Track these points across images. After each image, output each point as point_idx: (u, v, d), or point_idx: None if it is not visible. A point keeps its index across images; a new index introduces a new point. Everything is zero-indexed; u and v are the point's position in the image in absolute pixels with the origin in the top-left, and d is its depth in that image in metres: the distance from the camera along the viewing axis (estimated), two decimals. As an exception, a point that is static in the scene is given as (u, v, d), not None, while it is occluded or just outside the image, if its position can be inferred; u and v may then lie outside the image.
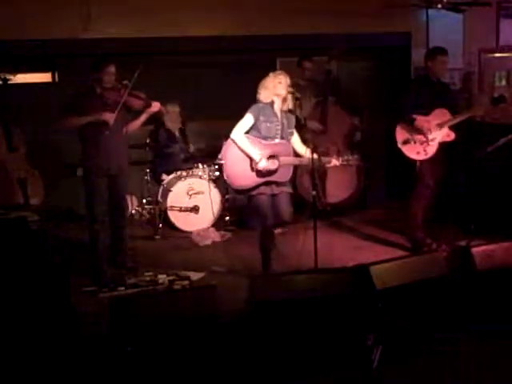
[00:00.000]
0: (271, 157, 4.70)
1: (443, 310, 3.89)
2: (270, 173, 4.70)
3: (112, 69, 5.01)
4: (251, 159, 4.69)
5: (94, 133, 4.96)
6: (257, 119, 4.70)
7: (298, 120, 5.07)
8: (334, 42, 6.73)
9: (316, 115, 6.79)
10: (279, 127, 4.73)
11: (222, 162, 4.84)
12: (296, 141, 4.87)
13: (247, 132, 4.74)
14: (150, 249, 6.05)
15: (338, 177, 6.71)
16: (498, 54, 7.43)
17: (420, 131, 5.35)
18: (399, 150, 5.46)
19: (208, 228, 6.51)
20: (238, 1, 6.87)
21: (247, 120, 4.72)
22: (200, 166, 6.79)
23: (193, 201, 6.57)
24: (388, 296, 3.72)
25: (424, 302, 3.87)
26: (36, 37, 6.22)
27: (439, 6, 6.82)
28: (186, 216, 6.56)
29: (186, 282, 4.95)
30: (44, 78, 7.09)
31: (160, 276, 5.02)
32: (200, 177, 6.68)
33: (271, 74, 4.75)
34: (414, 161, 5.47)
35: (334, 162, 4.79)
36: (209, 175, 6.76)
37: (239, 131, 4.72)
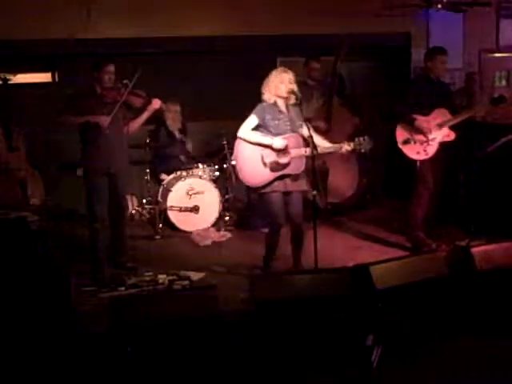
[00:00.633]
0: (282, 150, 4.69)
1: (443, 309, 3.90)
2: (283, 166, 4.69)
3: (112, 68, 5.02)
4: (265, 146, 4.65)
5: (94, 132, 4.96)
6: (262, 119, 4.70)
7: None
8: (333, 42, 6.72)
9: (322, 115, 6.78)
10: (288, 123, 4.71)
11: (234, 162, 4.85)
12: (306, 133, 4.79)
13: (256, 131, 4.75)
14: (150, 249, 6.05)
15: (340, 176, 6.71)
16: (497, 54, 7.43)
17: (420, 131, 5.36)
18: (399, 150, 5.46)
19: (208, 228, 6.51)
20: (237, 1, 6.87)
21: (251, 120, 4.73)
22: (200, 165, 6.80)
23: (193, 201, 6.57)
24: (388, 296, 3.72)
25: (424, 301, 3.87)
26: (36, 37, 6.22)
27: (439, 6, 6.82)
28: (186, 216, 6.56)
29: (186, 282, 4.95)
30: (44, 77, 7.09)
31: (160, 276, 5.02)
32: (200, 177, 6.68)
33: (273, 73, 4.73)
34: (414, 161, 5.47)
35: (346, 147, 4.66)
36: (209, 175, 6.77)
37: (245, 128, 4.73)
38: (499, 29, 7.43)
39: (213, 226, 6.59)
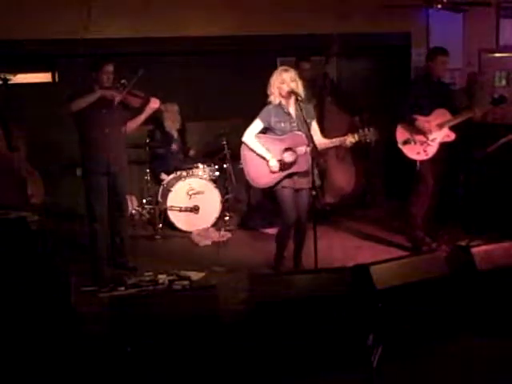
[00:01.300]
0: (288, 149, 4.70)
1: (443, 309, 3.90)
2: (290, 165, 4.70)
3: (110, 68, 5.02)
4: (264, 159, 4.72)
5: (93, 131, 4.97)
6: (268, 122, 4.73)
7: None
8: (333, 41, 6.71)
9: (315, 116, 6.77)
10: (294, 123, 4.73)
11: (242, 165, 4.87)
12: (314, 130, 4.79)
13: (263, 133, 4.76)
14: (150, 249, 6.05)
15: (337, 175, 6.71)
16: (497, 54, 7.42)
17: (420, 131, 5.36)
18: (399, 150, 5.46)
19: (208, 228, 6.51)
20: (238, 1, 6.87)
21: (256, 124, 4.76)
22: (200, 165, 6.79)
23: (193, 201, 6.57)
24: (388, 296, 3.72)
25: (424, 301, 3.87)
26: (36, 37, 6.22)
27: (439, 6, 6.81)
28: (186, 216, 6.56)
29: (186, 282, 4.96)
30: (44, 77, 7.09)
31: (160, 276, 5.02)
32: (200, 177, 6.68)
33: (274, 74, 4.74)
34: (414, 161, 5.47)
35: (350, 139, 4.65)
36: (209, 175, 6.77)
37: (250, 134, 4.76)
38: (499, 29, 7.42)
39: (213, 226, 6.59)
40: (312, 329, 3.63)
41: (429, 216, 5.63)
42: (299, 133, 4.69)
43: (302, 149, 4.64)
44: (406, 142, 5.42)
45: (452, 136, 5.40)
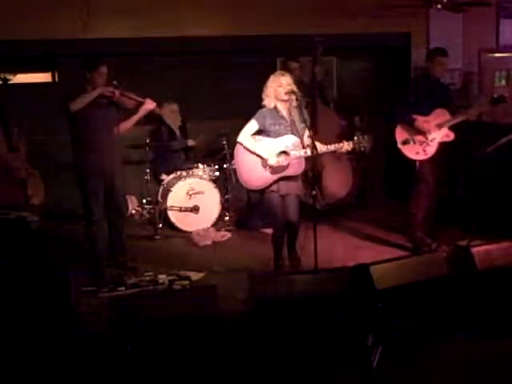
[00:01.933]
0: (282, 152, 4.70)
1: (443, 309, 3.90)
2: (283, 168, 4.70)
3: (104, 69, 5.00)
4: (261, 158, 4.72)
5: (88, 133, 4.95)
6: (263, 124, 4.73)
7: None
8: (333, 41, 6.71)
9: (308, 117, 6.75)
10: (289, 127, 4.73)
11: (235, 166, 4.87)
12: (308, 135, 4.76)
13: (257, 135, 4.76)
14: (150, 249, 6.05)
15: (333, 176, 6.70)
16: (497, 54, 7.42)
17: (420, 131, 5.36)
18: (399, 150, 5.46)
19: (208, 228, 6.51)
20: (237, 1, 6.87)
21: (251, 125, 4.76)
22: (200, 165, 6.80)
23: (193, 201, 6.57)
24: (388, 296, 3.72)
25: (424, 301, 3.87)
26: (36, 37, 6.22)
27: (439, 6, 6.81)
28: (186, 216, 6.56)
29: (186, 282, 4.95)
30: (44, 78, 7.09)
31: (160, 276, 5.02)
32: (200, 177, 6.68)
33: (271, 78, 4.74)
34: (414, 161, 5.47)
35: (346, 146, 4.66)
36: (209, 175, 6.77)
37: (245, 134, 4.76)
38: (499, 29, 7.42)
39: (213, 226, 6.59)
40: (312, 329, 3.63)
41: (429, 216, 5.63)
42: (294, 136, 4.70)
43: (296, 153, 4.65)
44: (405, 142, 5.42)
45: (451, 136, 5.40)
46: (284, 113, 4.75)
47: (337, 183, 6.79)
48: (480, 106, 5.59)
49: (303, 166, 4.73)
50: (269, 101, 4.73)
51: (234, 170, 5.14)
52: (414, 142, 5.40)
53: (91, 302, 4.60)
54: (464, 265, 4.14)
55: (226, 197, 6.88)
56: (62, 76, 7.02)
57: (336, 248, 5.71)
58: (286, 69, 6.67)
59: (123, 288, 4.84)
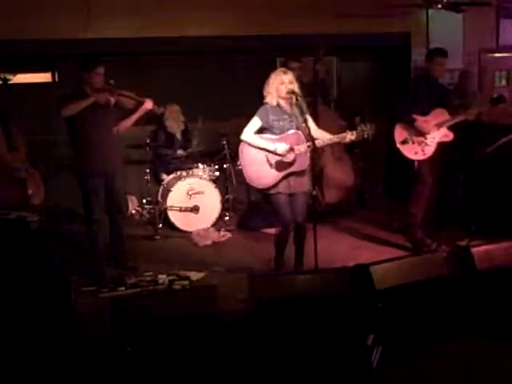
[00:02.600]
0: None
1: (443, 310, 3.90)
2: (289, 164, 4.68)
3: (101, 70, 4.98)
4: (268, 151, 4.66)
5: (87, 133, 4.95)
6: (266, 121, 4.70)
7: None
8: (333, 41, 6.71)
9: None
10: (292, 122, 4.70)
11: (241, 166, 4.85)
12: (311, 127, 4.76)
13: (260, 133, 4.75)
14: (149, 249, 6.05)
15: (333, 176, 6.70)
16: (497, 54, 7.42)
17: (419, 131, 5.36)
18: (398, 150, 5.46)
19: (208, 228, 6.51)
20: (238, 1, 6.87)
21: (254, 122, 4.73)
22: (200, 165, 6.79)
23: (193, 201, 6.57)
24: (388, 296, 3.72)
25: (424, 302, 3.87)
26: (36, 37, 6.22)
27: (439, 6, 6.81)
28: (186, 216, 6.56)
29: (186, 282, 4.96)
30: (44, 78, 7.09)
31: (160, 276, 5.02)
32: (200, 177, 6.68)
33: (273, 75, 4.72)
34: (413, 161, 5.47)
35: (349, 136, 4.62)
36: (209, 175, 6.77)
37: (248, 131, 4.73)
38: (499, 29, 7.42)
39: (213, 225, 6.59)
40: (312, 329, 3.63)
41: (429, 216, 5.63)
42: (298, 131, 4.68)
43: (301, 148, 4.64)
44: (404, 142, 5.42)
45: (450, 136, 5.40)
46: (286, 109, 4.74)
47: (337, 183, 6.79)
48: (479, 106, 5.59)
49: (308, 160, 4.70)
50: (270, 98, 4.72)
51: (240, 171, 5.07)
52: (413, 142, 5.40)
53: (91, 301, 4.60)
54: (464, 265, 4.15)
55: (226, 197, 6.89)
56: (61, 76, 7.02)
57: (336, 248, 5.71)
58: (287, 69, 6.68)
59: (123, 288, 4.85)
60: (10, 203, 5.01)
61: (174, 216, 6.52)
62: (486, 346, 3.75)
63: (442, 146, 5.41)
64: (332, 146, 4.82)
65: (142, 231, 6.58)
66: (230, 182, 6.85)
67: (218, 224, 6.63)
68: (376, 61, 8.02)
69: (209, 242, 6.19)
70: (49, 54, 6.70)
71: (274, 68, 4.93)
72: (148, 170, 6.71)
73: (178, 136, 7.01)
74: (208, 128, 7.12)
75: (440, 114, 5.40)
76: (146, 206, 6.84)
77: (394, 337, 3.68)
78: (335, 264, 4.89)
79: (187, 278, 5.03)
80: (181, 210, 6.53)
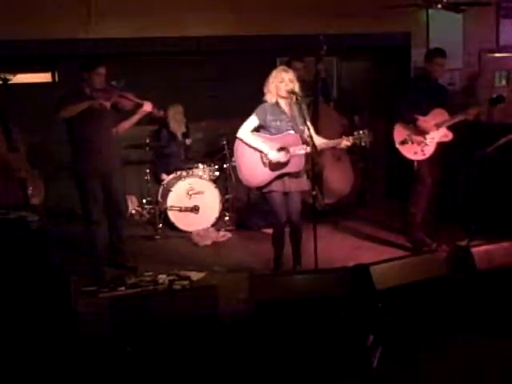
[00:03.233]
0: (281, 149, 4.68)
1: (443, 309, 3.90)
2: (283, 165, 4.68)
3: (102, 70, 4.98)
4: (261, 153, 4.69)
5: (85, 134, 4.95)
6: (264, 120, 4.70)
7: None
8: (334, 41, 6.71)
9: (308, 115, 6.74)
10: (290, 123, 4.70)
11: (235, 163, 4.86)
12: (307, 131, 4.73)
13: (258, 131, 4.75)
14: (149, 249, 6.05)
15: (334, 176, 6.70)
16: (497, 54, 7.42)
17: (418, 131, 5.36)
18: (398, 150, 5.46)
19: (208, 228, 6.51)
20: (238, 1, 6.87)
21: (252, 120, 4.73)
22: (200, 165, 6.80)
23: (193, 201, 6.57)
24: (388, 296, 3.72)
25: (424, 301, 3.87)
26: (36, 37, 6.22)
27: (439, 6, 6.80)
28: (186, 216, 6.56)
29: (186, 282, 4.96)
30: (44, 78, 7.09)
31: (160, 276, 5.02)
32: (200, 177, 6.68)
33: (273, 73, 4.72)
34: (412, 161, 5.47)
35: (345, 142, 4.63)
36: (209, 175, 6.77)
37: (245, 129, 4.73)
38: (499, 29, 7.42)
39: (213, 225, 6.59)
40: (312, 329, 3.63)
41: (429, 216, 5.63)
42: (294, 133, 4.68)
43: (296, 149, 4.64)
44: (403, 142, 5.42)
45: (450, 136, 5.40)
46: (285, 108, 4.74)
47: (338, 183, 6.78)
48: (478, 106, 5.59)
49: (303, 163, 4.70)
50: (270, 96, 4.72)
51: (234, 168, 5.10)
52: (413, 142, 5.40)
53: (91, 301, 4.60)
54: (464, 265, 4.14)
55: (226, 197, 6.89)
56: (61, 76, 7.02)
57: (336, 248, 5.71)
58: (290, 69, 6.69)
59: (123, 288, 4.85)
60: (10, 203, 5.00)
61: (174, 216, 6.52)
62: (486, 346, 3.75)
63: (441, 146, 5.41)
64: (326, 149, 4.84)
65: (142, 231, 6.58)
66: (230, 181, 6.85)
67: (217, 224, 6.63)
68: (376, 61, 8.02)
69: (209, 242, 6.19)
70: (49, 54, 6.70)
71: (274, 68, 4.93)
72: (148, 170, 6.71)
73: (179, 136, 7.01)
74: (208, 128, 7.12)
75: (439, 114, 5.40)
76: (145, 206, 6.85)
77: (393, 337, 3.68)
78: (335, 264, 4.89)
79: (187, 277, 5.04)
80: (181, 209, 6.53)
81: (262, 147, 4.68)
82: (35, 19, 6.18)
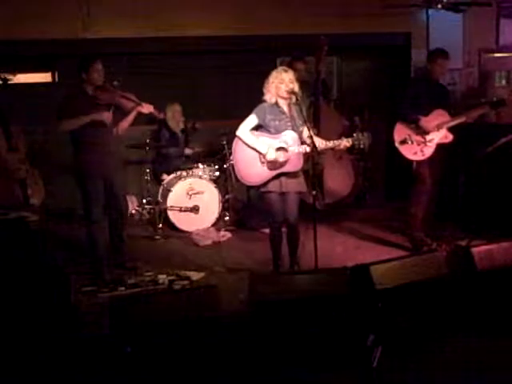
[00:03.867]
0: (280, 148, 4.68)
1: (443, 309, 3.89)
2: (281, 164, 4.68)
3: (99, 66, 4.98)
4: (259, 153, 4.69)
5: (87, 135, 4.95)
6: (263, 119, 4.70)
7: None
8: (334, 41, 6.71)
9: (309, 116, 6.76)
10: (289, 123, 4.70)
11: (233, 162, 4.85)
12: (306, 132, 4.75)
13: (256, 130, 4.75)
14: (150, 249, 6.05)
15: (334, 176, 6.70)
16: (497, 54, 7.42)
17: (418, 132, 5.36)
18: (397, 150, 5.46)
19: (208, 228, 6.51)
20: (238, 1, 6.87)
21: (251, 119, 4.72)
22: (200, 165, 6.80)
23: (193, 201, 6.57)
24: (388, 296, 3.72)
25: (424, 301, 3.87)
26: (36, 37, 6.22)
27: (439, 6, 6.81)
28: (186, 216, 6.56)
29: (186, 282, 4.96)
30: (44, 78, 7.10)
31: (160, 276, 5.02)
32: (200, 177, 6.69)
33: (273, 73, 4.71)
34: (411, 161, 5.47)
35: (344, 143, 4.62)
36: (209, 175, 6.77)
37: (244, 128, 4.73)
38: (499, 29, 7.42)
39: (213, 226, 6.59)
40: (312, 329, 3.62)
41: (429, 216, 5.63)
42: (293, 132, 4.68)
43: (295, 149, 4.64)
44: (403, 142, 5.41)
45: (450, 137, 5.40)
46: (284, 108, 4.73)
47: (338, 183, 6.79)
48: (480, 109, 5.58)
49: (301, 163, 4.70)
50: (270, 96, 4.71)
51: (233, 166, 5.10)
52: (412, 143, 5.39)
53: (91, 301, 4.60)
54: (464, 265, 4.14)
55: (226, 197, 6.89)
56: (61, 76, 7.02)
57: (336, 248, 5.71)
58: (292, 69, 6.69)
59: (123, 288, 4.84)
60: (9, 203, 5.01)
61: (173, 216, 6.52)
62: (486, 346, 3.75)
63: (441, 146, 5.41)
64: (325, 149, 4.84)
65: (142, 231, 6.58)
66: (230, 181, 6.85)
67: (217, 224, 6.63)
68: (376, 61, 8.02)
69: (209, 242, 6.19)
70: (49, 54, 6.70)
71: (274, 68, 4.93)
72: (148, 170, 6.72)
73: (179, 134, 7.02)
74: (208, 128, 7.12)
75: (440, 115, 5.40)
76: (145, 206, 6.85)
77: (393, 337, 3.68)
78: (335, 264, 4.89)
79: (187, 277, 5.03)
80: (181, 209, 6.53)
81: (260, 147, 4.68)
82: (35, 19, 6.19)
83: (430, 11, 7.09)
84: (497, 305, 4.00)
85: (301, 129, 4.69)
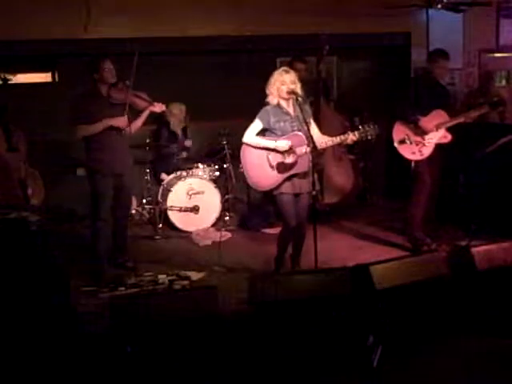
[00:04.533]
0: (287, 150, 4.66)
1: (443, 309, 3.90)
2: (290, 166, 4.67)
3: (109, 64, 5.00)
4: (270, 150, 4.65)
5: (100, 135, 4.96)
6: (267, 122, 4.68)
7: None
8: (334, 41, 6.71)
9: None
10: (294, 123, 4.69)
11: (242, 170, 4.83)
12: (313, 129, 4.76)
13: (262, 135, 4.74)
14: (150, 249, 6.05)
15: (334, 176, 6.70)
16: (497, 54, 7.42)
17: (417, 132, 5.36)
18: (396, 150, 5.47)
19: (208, 228, 6.51)
20: (237, 1, 6.87)
21: (256, 124, 4.71)
22: (200, 165, 6.80)
23: (193, 201, 6.57)
24: (388, 296, 3.72)
25: (424, 301, 3.87)
26: (36, 37, 6.22)
27: (439, 6, 6.81)
28: (186, 216, 6.56)
29: (186, 282, 4.96)
30: (44, 78, 7.10)
31: (160, 276, 5.03)
32: (200, 177, 6.69)
33: (275, 74, 4.69)
34: (410, 160, 5.47)
35: (351, 137, 4.60)
36: (209, 175, 6.77)
37: (249, 134, 4.72)
38: (499, 29, 7.42)
39: (213, 226, 6.59)
40: (312, 329, 3.63)
41: (429, 216, 5.63)
42: (299, 133, 4.67)
43: (303, 149, 4.62)
44: (401, 142, 5.41)
45: (449, 137, 5.40)
46: (288, 109, 4.72)
47: (338, 183, 6.79)
48: (479, 109, 5.58)
49: (310, 162, 4.66)
50: (272, 98, 4.71)
51: (241, 174, 5.05)
52: (411, 142, 5.40)
53: (91, 301, 4.60)
54: (464, 265, 4.14)
55: (226, 197, 6.89)
56: (61, 76, 7.02)
57: (336, 248, 5.71)
58: (292, 69, 6.69)
59: (123, 288, 4.85)
60: (9, 203, 5.01)
61: (174, 216, 6.52)
62: (486, 346, 3.75)
63: (439, 146, 5.41)
64: (332, 146, 4.81)
65: (142, 231, 6.58)
66: (230, 181, 6.85)
67: (217, 224, 6.63)
68: (376, 61, 8.02)
69: (209, 242, 6.19)
70: (49, 54, 6.70)
71: (274, 68, 4.93)
72: (148, 170, 6.72)
73: (179, 133, 7.02)
74: (208, 128, 7.12)
75: (439, 116, 5.40)
76: (145, 206, 6.85)
77: (393, 337, 3.68)
78: (335, 264, 4.90)
79: (187, 277, 5.04)
80: (181, 210, 6.53)
81: (269, 143, 4.65)
82: (35, 19, 6.19)
83: (430, 11, 7.09)
84: (497, 305, 4.00)
85: (304, 128, 4.68)
